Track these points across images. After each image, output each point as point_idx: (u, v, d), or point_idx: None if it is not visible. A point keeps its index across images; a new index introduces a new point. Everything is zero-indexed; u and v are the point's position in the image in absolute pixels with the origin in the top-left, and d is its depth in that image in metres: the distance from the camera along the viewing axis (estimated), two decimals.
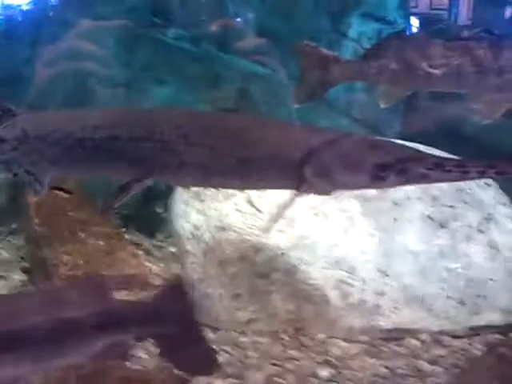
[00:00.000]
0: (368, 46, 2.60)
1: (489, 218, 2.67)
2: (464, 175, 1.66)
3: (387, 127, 3.55)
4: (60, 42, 3.31)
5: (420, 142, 2.87)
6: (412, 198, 2.68)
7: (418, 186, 2.33)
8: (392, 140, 2.00)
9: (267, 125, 2.00)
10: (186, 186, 2.78)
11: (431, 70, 2.44)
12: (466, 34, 3.84)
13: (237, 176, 1.93)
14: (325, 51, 2.63)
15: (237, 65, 3.61)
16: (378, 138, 1.95)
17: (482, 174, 1.65)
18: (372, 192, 2.65)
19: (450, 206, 2.68)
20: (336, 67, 2.59)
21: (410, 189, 2.58)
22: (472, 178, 1.69)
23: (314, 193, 2.05)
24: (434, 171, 1.68)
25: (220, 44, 3.62)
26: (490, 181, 2.84)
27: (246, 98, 3.60)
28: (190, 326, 1.89)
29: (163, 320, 1.80)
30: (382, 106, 2.57)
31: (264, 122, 2.07)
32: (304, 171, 1.81)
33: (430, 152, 1.91)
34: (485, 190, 2.79)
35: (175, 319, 1.82)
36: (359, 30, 3.75)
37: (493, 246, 2.58)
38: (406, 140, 2.85)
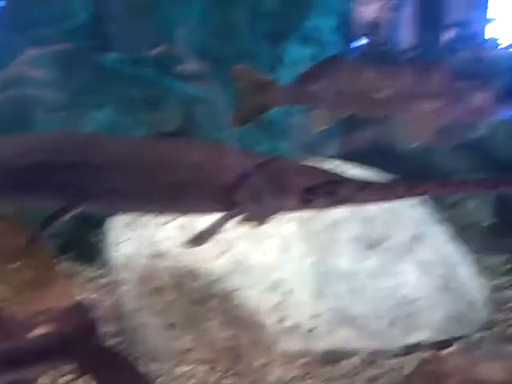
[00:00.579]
0: (304, 70, 2.63)
1: (419, 237, 2.74)
2: (389, 196, 1.71)
3: (325, 149, 3.61)
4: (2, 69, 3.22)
5: (357, 162, 2.94)
6: (344, 220, 2.72)
7: (347, 207, 2.37)
8: (318, 164, 2.04)
9: (198, 149, 1.98)
10: (119, 212, 2.72)
11: (364, 95, 2.49)
12: (403, 57, 3.99)
13: (168, 202, 1.90)
14: (260, 75, 2.65)
15: (177, 88, 3.60)
16: (306, 162, 1.98)
17: (405, 195, 1.70)
18: (306, 214, 2.67)
19: (381, 227, 2.73)
20: (271, 91, 2.62)
21: (343, 210, 2.62)
22: (397, 199, 1.73)
23: (248, 219, 2.05)
24: (360, 193, 1.72)
25: (160, 67, 3.61)
26: (420, 200, 2.92)
27: (186, 122, 3.58)
28: (101, 352, 1.82)
29: (69, 350, 1.72)
30: (315, 130, 2.60)
31: (194, 146, 2.06)
32: (235, 195, 1.81)
33: (361, 173, 1.95)
34: (415, 210, 2.87)
35: (81, 347, 1.75)
36: (296, 54, 3.82)
37: (423, 265, 2.65)
38: (343, 160, 2.93)
